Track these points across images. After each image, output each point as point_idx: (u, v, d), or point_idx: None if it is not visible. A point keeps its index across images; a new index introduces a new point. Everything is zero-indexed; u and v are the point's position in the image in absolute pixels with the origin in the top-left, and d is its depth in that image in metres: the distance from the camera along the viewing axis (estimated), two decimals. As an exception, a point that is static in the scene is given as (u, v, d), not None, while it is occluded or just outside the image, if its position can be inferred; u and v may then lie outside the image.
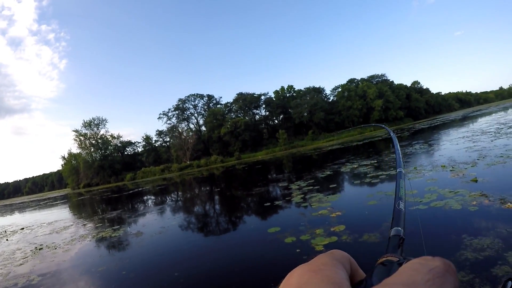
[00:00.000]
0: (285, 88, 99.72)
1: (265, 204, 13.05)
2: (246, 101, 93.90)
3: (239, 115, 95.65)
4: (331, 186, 14.09)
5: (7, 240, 17.46)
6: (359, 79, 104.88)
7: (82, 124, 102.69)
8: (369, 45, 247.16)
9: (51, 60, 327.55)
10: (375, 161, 18.87)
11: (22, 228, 21.26)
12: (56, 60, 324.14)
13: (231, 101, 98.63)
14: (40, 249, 12.88)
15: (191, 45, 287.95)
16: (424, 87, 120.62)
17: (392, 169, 14.59)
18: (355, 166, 18.50)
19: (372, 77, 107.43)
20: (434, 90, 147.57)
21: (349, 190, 13.07)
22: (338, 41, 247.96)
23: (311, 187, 14.35)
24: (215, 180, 34.26)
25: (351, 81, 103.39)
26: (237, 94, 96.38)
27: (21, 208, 55.19)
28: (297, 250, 6.75)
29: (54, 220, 22.68)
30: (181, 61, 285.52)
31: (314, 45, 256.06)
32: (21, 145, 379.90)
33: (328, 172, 18.40)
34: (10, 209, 57.09)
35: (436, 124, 56.31)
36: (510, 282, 0.67)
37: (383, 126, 3.32)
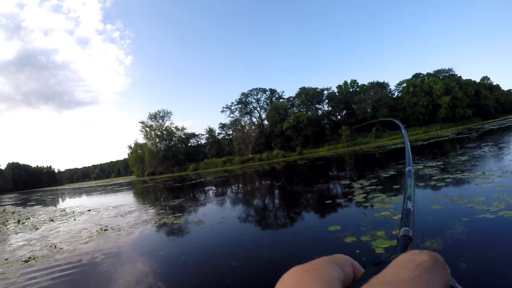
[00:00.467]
0: (348, 83, 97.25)
1: (326, 202, 12.69)
2: (309, 95, 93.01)
3: (301, 109, 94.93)
4: (394, 187, 13.44)
5: (74, 220, 18.43)
6: (425, 73, 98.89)
7: (148, 116, 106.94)
8: (435, 37, 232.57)
9: (117, 57, 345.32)
10: (441, 163, 17.80)
11: (89, 210, 22.40)
12: (122, 57, 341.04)
13: (294, 95, 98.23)
14: (105, 230, 13.43)
15: (254, 39, 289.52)
16: (494, 83, 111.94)
17: (459, 172, 13.68)
18: (420, 167, 17.57)
19: (438, 71, 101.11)
20: (505, 87, 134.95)
21: (412, 192, 12.41)
22: (402, 33, 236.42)
23: (373, 187, 13.77)
24: (276, 174, 34.17)
25: (417, 76, 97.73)
26: (299, 88, 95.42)
27: (89, 191, 58.40)
28: (357, 251, 6.42)
29: (119, 205, 23.65)
30: (243, 55, 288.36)
31: (378, 38, 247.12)
32: (90, 135, 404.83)
33: (392, 172, 17.64)
34: (79, 192, 60.59)
35: (507, 124, 52.37)
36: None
37: (395, 121, 2.94)
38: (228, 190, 25.94)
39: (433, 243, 6.12)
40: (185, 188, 34.21)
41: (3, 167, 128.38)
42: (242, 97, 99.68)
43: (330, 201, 12.53)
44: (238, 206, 16.19)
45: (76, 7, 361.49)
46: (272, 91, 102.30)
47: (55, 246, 11.52)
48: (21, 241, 13.78)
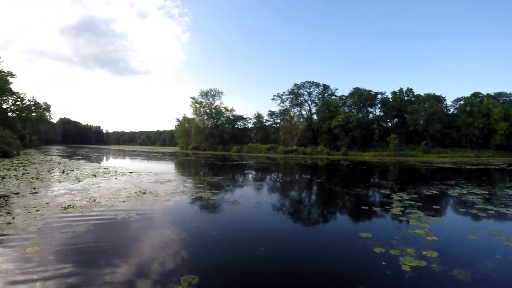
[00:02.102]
0: (404, 91, 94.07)
1: (363, 207, 12.52)
2: (362, 97, 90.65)
3: (352, 110, 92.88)
4: (433, 206, 12.95)
5: (116, 179, 19.26)
6: (485, 94, 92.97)
7: (200, 93, 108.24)
8: (500, 57, 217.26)
9: (174, 33, 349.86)
10: (487, 192, 16.86)
11: (131, 172, 23.30)
12: (179, 33, 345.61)
13: (346, 94, 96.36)
14: (143, 193, 13.99)
15: (313, 32, 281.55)
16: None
17: (503, 206, 12.99)
18: (464, 192, 16.80)
19: (499, 94, 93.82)
20: None
21: (451, 216, 11.92)
22: (466, 48, 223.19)
23: (412, 202, 13.34)
24: (317, 170, 33.87)
25: (476, 95, 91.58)
26: (353, 88, 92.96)
27: (132, 155, 60.53)
28: (383, 263, 6.30)
29: (160, 172, 24.45)
30: (300, 46, 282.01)
31: (440, 48, 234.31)
32: (140, 102, 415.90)
33: (434, 191, 17.00)
34: (123, 154, 62.95)
35: None
36: None
37: None
38: (268, 177, 26.10)
39: (461, 274, 5.91)
40: (226, 167, 34.75)
41: (54, 121, 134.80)
42: (295, 88, 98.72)
43: (366, 208, 12.34)
44: (274, 195, 16.33)
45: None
46: (325, 87, 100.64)
47: (94, 200, 12.13)
48: (63, 190, 14.58)
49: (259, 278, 5.72)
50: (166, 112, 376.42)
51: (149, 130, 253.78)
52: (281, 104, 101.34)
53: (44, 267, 5.82)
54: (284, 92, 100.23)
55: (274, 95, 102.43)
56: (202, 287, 5.15)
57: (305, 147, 77.75)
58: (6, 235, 7.55)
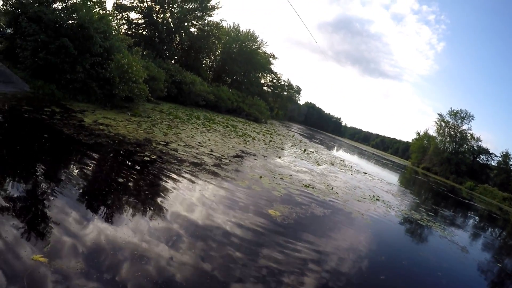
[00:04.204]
0: None
1: None
2: None
3: None
4: None
5: (351, 174, 19.86)
6: None
7: (448, 112, 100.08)
8: None
9: (429, 40, 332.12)
10: None
11: (365, 173, 23.55)
12: (434, 41, 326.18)
13: None
14: (376, 199, 14.01)
15: None
16: None
17: None
18: None
19: None
20: None
21: None
22: None
23: None
24: None
25: None
26: None
27: (364, 155, 61.49)
28: None
29: (392, 183, 24.07)
30: None
31: None
32: (384, 105, 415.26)
33: None
34: (356, 152, 64.23)
35: None
36: None
37: None
38: (495, 231, 22.64)
39: None
40: (453, 201, 31.68)
41: (301, 103, 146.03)
42: None
43: None
44: (504, 258, 14.17)
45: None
46: None
47: (332, 188, 12.79)
48: (304, 168, 15.84)
49: None
50: (405, 122, 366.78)
51: (385, 135, 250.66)
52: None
53: (274, 231, 6.47)
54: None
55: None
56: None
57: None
58: (252, 191, 8.50)
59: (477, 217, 26.02)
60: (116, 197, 5.89)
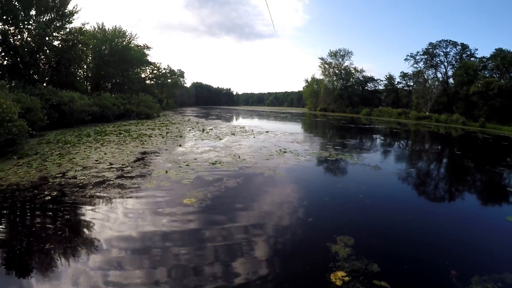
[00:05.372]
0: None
1: (508, 189, 11.17)
2: (506, 60, 79.22)
3: (494, 75, 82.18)
4: None
5: (254, 137, 20.23)
6: None
7: (328, 53, 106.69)
8: None
9: None
10: None
11: (267, 132, 24.29)
12: None
13: (488, 56, 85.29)
14: (284, 152, 14.54)
15: None
16: None
17: None
18: None
19: None
20: None
21: None
22: None
23: None
24: (451, 141, 30.10)
25: None
26: (495, 49, 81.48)
27: (263, 115, 62.55)
28: None
29: (295, 132, 25.06)
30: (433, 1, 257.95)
31: None
32: (267, 64, 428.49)
33: None
34: (254, 114, 65.52)
35: None
36: None
37: None
38: (401, 144, 24.67)
39: None
40: (356, 130, 33.96)
41: (188, 85, 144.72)
42: (430, 47, 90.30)
43: (512, 190, 10.98)
44: (414, 163, 15.46)
45: None
46: (464, 47, 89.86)
47: (239, 156, 12.90)
48: (207, 147, 15.74)
49: (409, 247, 5.60)
50: (292, 74, 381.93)
51: (277, 92, 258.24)
52: (415, 65, 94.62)
53: (200, 216, 6.46)
54: (418, 52, 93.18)
55: (407, 55, 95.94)
56: (357, 249, 5.17)
57: (439, 114, 72.09)
58: (162, 188, 8.34)
59: (381, 137, 28.01)
60: (33, 258, 5.25)
